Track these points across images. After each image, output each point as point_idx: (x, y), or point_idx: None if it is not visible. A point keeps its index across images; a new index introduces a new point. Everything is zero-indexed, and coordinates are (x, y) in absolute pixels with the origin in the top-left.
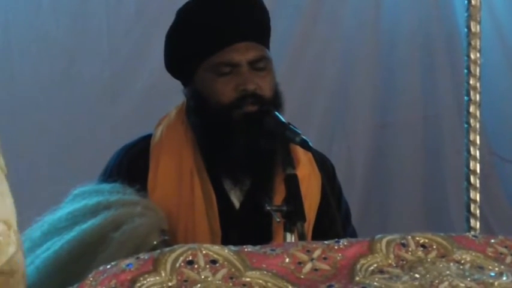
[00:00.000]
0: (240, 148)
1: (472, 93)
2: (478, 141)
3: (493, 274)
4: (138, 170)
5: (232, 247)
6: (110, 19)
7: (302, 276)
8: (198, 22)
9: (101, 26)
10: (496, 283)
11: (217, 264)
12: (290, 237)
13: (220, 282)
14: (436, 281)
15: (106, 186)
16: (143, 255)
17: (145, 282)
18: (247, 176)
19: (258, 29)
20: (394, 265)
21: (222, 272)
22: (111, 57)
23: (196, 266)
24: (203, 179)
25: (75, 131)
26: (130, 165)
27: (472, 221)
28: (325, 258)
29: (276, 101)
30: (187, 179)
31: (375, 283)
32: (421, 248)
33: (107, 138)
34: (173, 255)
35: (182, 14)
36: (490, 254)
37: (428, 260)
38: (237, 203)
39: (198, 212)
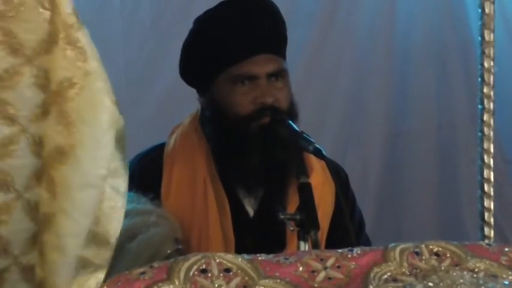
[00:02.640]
0: (256, 158)
1: (485, 101)
2: (491, 150)
3: (506, 283)
4: (152, 178)
5: (245, 256)
6: (125, 29)
7: (316, 285)
8: (218, 33)
9: (116, 36)
10: None
11: (231, 273)
12: (304, 246)
13: None
14: None
15: None
16: (157, 264)
17: None
18: (261, 185)
19: (278, 41)
20: (408, 273)
21: (236, 280)
22: (127, 67)
23: (209, 274)
24: (217, 187)
25: None
26: (144, 174)
27: (486, 230)
28: (338, 267)
29: (291, 112)
30: (200, 187)
31: None
32: (435, 257)
33: None
34: (187, 264)
35: (202, 24)
36: (503, 262)
37: (442, 268)
38: (251, 211)
39: (211, 219)
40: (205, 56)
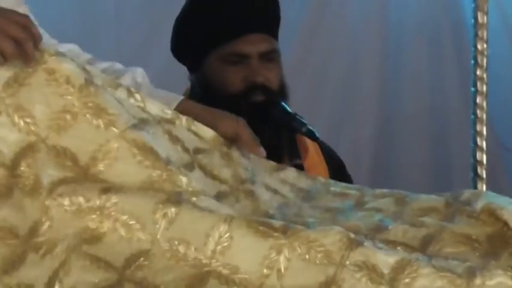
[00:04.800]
0: None
1: (478, 84)
2: (484, 132)
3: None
4: None
5: None
6: (117, 9)
7: None
8: (212, 10)
9: (108, 16)
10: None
11: None
12: None
13: None
14: None
15: None
16: None
17: None
18: None
19: (271, 21)
20: None
21: None
22: (119, 47)
23: None
24: None
25: None
26: None
27: None
28: None
29: (282, 93)
30: None
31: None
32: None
33: None
34: None
35: (195, 1)
36: None
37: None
38: None
39: None
40: (197, 33)
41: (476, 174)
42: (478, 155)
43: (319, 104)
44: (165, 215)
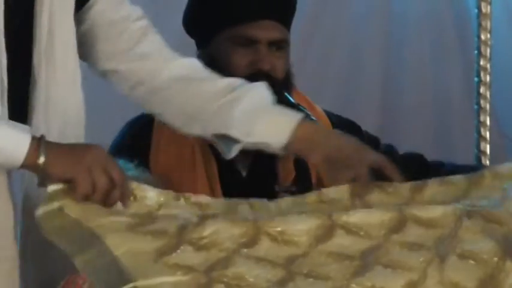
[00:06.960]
0: None
1: (482, 74)
2: (488, 123)
3: None
4: (141, 144)
5: None
6: None
7: None
8: None
9: None
10: None
11: None
12: None
13: None
14: None
15: None
16: None
17: None
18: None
19: (286, 10)
20: None
21: None
22: None
23: None
24: (204, 148)
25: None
26: (134, 140)
27: None
28: None
29: (287, 83)
30: (188, 150)
31: None
32: None
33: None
34: None
35: None
36: None
37: None
38: (244, 172)
39: (199, 181)
40: (211, 10)
41: (480, 165)
42: (482, 145)
43: (321, 95)
44: None
